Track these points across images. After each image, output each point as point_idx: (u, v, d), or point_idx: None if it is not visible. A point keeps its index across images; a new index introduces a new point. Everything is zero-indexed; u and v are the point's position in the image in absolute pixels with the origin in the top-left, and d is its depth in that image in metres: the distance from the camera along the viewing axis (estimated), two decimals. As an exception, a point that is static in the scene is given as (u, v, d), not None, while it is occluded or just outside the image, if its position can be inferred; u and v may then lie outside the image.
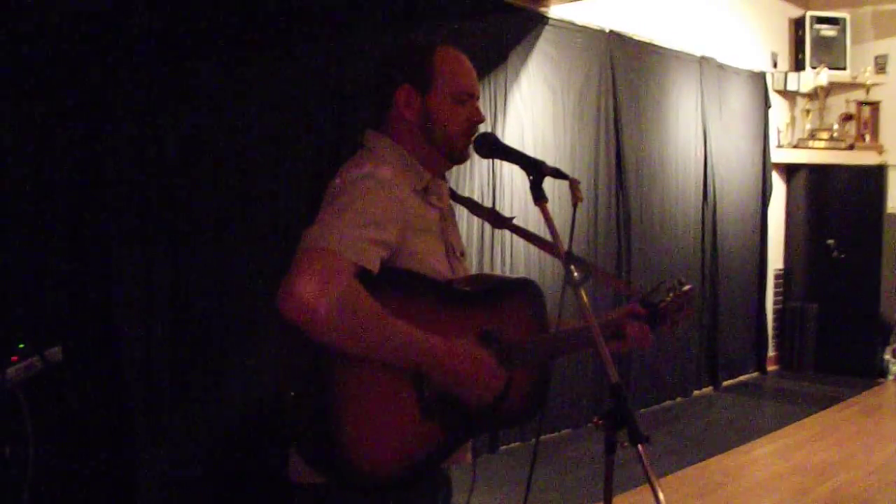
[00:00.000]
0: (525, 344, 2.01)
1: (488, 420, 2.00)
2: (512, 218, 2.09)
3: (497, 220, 2.30)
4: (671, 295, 2.36)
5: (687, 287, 2.40)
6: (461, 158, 2.07)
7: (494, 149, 2.04)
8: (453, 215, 2.19)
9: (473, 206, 2.30)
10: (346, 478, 1.82)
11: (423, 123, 2.01)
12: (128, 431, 3.76)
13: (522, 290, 2.10)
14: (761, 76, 8.11)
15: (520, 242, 5.40)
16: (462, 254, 2.15)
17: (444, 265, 2.01)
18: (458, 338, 1.89)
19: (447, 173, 2.20)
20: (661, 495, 1.54)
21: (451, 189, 2.19)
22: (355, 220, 1.77)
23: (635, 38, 6.62)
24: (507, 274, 5.23)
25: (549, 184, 1.91)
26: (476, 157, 2.09)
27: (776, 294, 8.55)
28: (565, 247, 1.83)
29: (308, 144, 4.39)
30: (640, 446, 1.59)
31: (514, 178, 5.36)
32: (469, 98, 2.02)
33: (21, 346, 2.62)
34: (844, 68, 8.36)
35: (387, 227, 1.82)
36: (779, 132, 8.44)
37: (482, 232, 5.21)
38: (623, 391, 1.65)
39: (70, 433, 3.56)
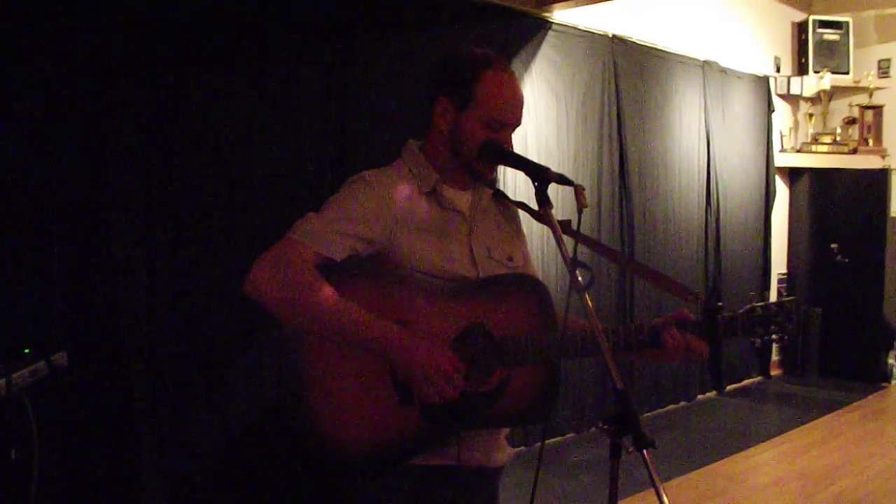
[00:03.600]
0: (523, 341, 1.99)
1: (483, 415, 1.99)
2: (568, 221, 2.07)
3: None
4: (751, 305, 2.16)
5: (776, 300, 2.20)
6: (481, 176, 2.10)
7: (499, 155, 2.04)
8: (508, 219, 2.25)
9: (529, 210, 2.27)
10: (314, 453, 1.93)
11: (452, 137, 2.06)
12: (132, 436, 3.77)
13: (526, 288, 2.09)
14: (764, 80, 8.11)
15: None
16: (510, 258, 2.16)
17: (454, 264, 2.03)
18: (442, 330, 1.95)
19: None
20: (665, 500, 1.54)
21: (500, 192, 2.24)
22: (329, 215, 1.96)
23: (638, 42, 6.63)
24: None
25: (553, 189, 1.91)
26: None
27: (779, 298, 8.52)
28: (570, 252, 1.83)
29: (312, 147, 4.40)
30: (645, 451, 1.58)
31: (517, 184, 5.35)
32: (502, 127, 2.03)
33: (27, 351, 2.63)
34: (847, 72, 8.35)
35: (363, 222, 1.95)
36: (782, 136, 8.43)
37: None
38: (628, 396, 1.65)
39: (75, 438, 3.57)
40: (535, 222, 2.25)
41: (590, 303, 1.76)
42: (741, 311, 2.15)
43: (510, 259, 2.16)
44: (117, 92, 3.71)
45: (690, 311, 2.12)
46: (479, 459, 2.06)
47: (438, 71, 2.10)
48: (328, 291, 1.88)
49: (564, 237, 1.91)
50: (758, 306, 2.16)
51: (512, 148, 2.07)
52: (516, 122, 2.07)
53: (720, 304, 2.12)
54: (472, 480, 2.06)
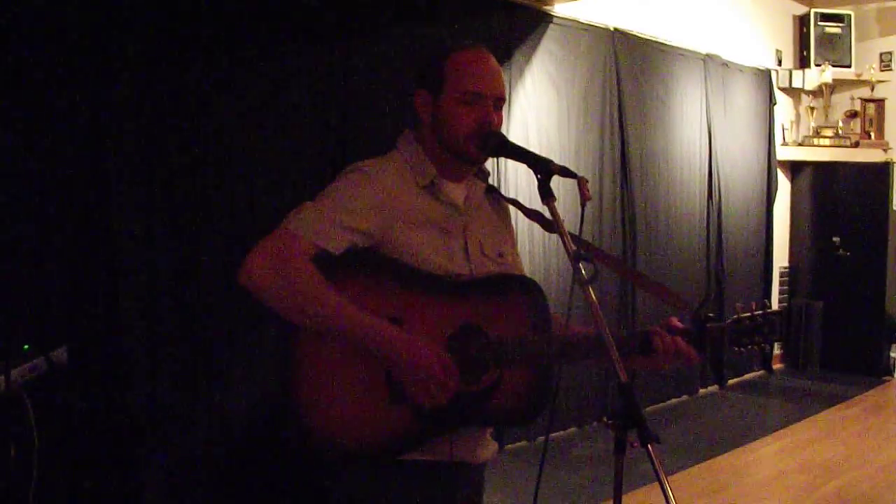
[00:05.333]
0: (519, 342, 1.98)
1: (474, 414, 1.98)
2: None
3: (544, 223, 2.23)
4: (737, 316, 2.16)
5: (763, 311, 2.18)
6: (472, 160, 2.07)
7: (502, 148, 2.03)
8: (500, 215, 2.24)
9: (521, 208, 2.29)
10: (306, 447, 1.93)
11: (435, 125, 2.05)
12: (132, 433, 3.76)
13: (522, 288, 2.07)
14: (766, 73, 8.09)
15: (525, 238, 5.40)
16: (500, 255, 2.14)
17: (449, 259, 2.02)
18: (437, 328, 1.94)
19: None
20: (671, 496, 1.52)
21: (492, 188, 2.23)
22: (327, 206, 1.94)
23: (640, 35, 6.61)
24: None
25: (554, 183, 1.90)
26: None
27: (781, 292, 8.53)
28: (573, 246, 1.82)
29: (313, 142, 4.38)
30: (649, 446, 1.57)
31: (518, 177, 5.34)
32: (477, 98, 2.00)
33: (26, 347, 2.62)
34: (849, 65, 8.32)
35: (362, 214, 1.93)
36: (783, 130, 8.41)
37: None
38: (633, 391, 1.63)
39: (75, 435, 3.56)
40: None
41: (593, 296, 1.74)
42: (728, 321, 2.16)
43: (500, 255, 2.15)
44: (118, 88, 3.69)
45: (682, 320, 2.13)
46: (466, 455, 2.05)
47: (416, 68, 2.13)
48: (324, 286, 1.86)
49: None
50: (744, 317, 2.17)
51: (501, 124, 2.06)
52: (494, 94, 2.03)
53: (711, 314, 2.13)
54: (458, 476, 2.06)
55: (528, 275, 2.23)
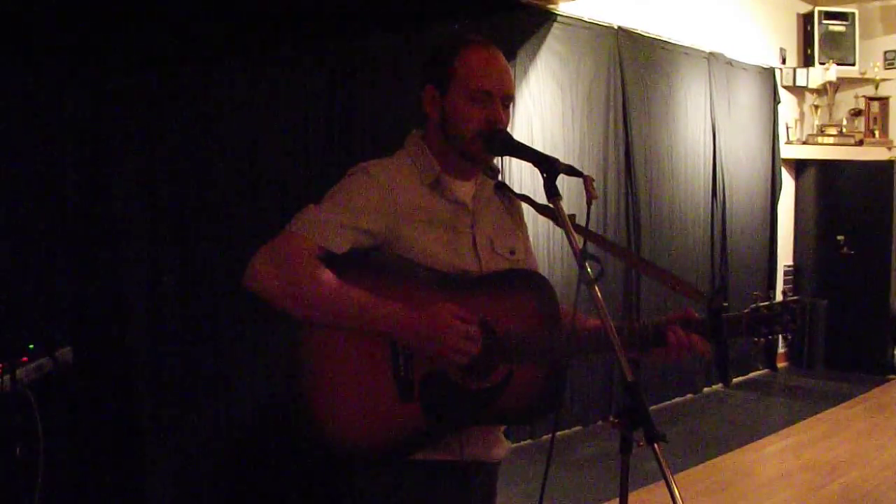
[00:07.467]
0: (527, 337, 1.97)
1: (484, 410, 1.97)
2: (573, 216, 1.99)
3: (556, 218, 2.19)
4: (755, 305, 2.13)
5: (780, 300, 2.16)
6: (477, 159, 2.06)
7: (507, 146, 2.02)
8: (510, 212, 2.23)
9: (533, 204, 2.27)
10: (317, 449, 1.93)
11: (442, 122, 2.04)
12: (137, 431, 3.76)
13: (529, 283, 2.06)
14: (770, 72, 8.08)
15: (530, 235, 5.38)
16: (512, 251, 2.13)
17: (458, 257, 2.01)
18: None
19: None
20: (677, 495, 1.52)
21: (503, 185, 2.22)
22: (330, 207, 1.94)
23: (644, 34, 6.60)
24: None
25: (559, 181, 1.89)
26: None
27: (785, 291, 8.49)
28: (579, 246, 1.81)
29: (316, 142, 4.38)
30: (656, 445, 1.57)
31: (522, 176, 5.34)
32: (487, 97, 1.99)
33: (31, 346, 2.62)
34: (853, 64, 8.31)
35: (365, 214, 1.93)
36: (787, 128, 8.40)
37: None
38: (639, 390, 1.63)
39: (80, 433, 3.56)
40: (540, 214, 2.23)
41: (599, 295, 1.73)
42: (745, 311, 2.13)
43: (512, 252, 2.14)
44: (120, 88, 3.69)
45: (695, 310, 2.10)
46: (479, 454, 2.05)
47: (424, 62, 2.10)
48: (330, 277, 1.86)
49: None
50: (762, 306, 2.14)
51: (508, 122, 2.04)
52: (504, 93, 2.02)
53: (725, 303, 2.10)
54: (471, 475, 2.05)
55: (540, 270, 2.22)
